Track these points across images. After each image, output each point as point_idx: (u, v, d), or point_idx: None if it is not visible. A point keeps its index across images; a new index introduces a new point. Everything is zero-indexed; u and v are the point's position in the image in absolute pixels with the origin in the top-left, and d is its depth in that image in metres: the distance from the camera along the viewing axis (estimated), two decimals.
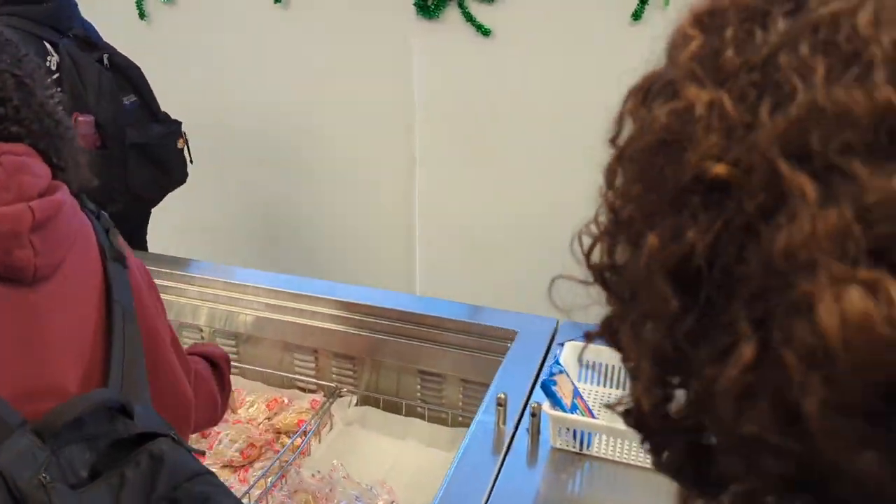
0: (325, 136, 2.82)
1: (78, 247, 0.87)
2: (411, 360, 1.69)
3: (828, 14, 0.29)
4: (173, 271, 1.90)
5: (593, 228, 0.38)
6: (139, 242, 2.35)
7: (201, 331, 1.88)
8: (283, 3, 2.69)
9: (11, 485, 0.69)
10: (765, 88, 0.29)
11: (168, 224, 3.24)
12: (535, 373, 1.40)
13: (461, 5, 2.50)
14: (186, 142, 2.17)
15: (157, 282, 1.90)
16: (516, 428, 1.28)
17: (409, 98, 2.66)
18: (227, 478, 1.55)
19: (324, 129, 2.81)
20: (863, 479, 0.27)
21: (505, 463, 1.20)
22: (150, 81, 3.00)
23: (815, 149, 0.27)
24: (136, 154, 1.99)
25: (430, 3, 2.52)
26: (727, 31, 0.31)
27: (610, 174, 0.36)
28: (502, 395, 1.26)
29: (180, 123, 2.16)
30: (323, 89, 2.76)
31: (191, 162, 2.23)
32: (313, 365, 1.80)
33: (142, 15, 2.90)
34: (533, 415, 1.23)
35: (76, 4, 2.03)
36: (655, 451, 0.37)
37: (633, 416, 0.36)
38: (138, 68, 2.07)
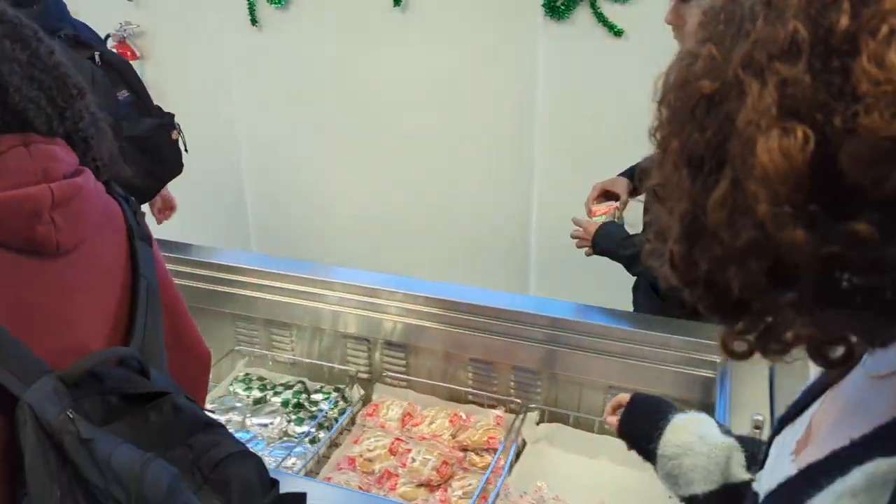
0: (444, 137, 2.77)
1: (105, 227, 0.94)
2: (600, 375, 1.63)
3: None
4: (308, 276, 1.86)
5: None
6: None
7: (367, 341, 1.84)
8: (403, 6, 2.64)
9: (42, 419, 0.77)
10: (736, 36, 0.47)
11: (272, 225, 3.23)
12: (767, 391, 1.33)
13: (593, 5, 2.43)
14: (181, 133, 2.15)
15: (283, 285, 1.87)
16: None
17: (531, 100, 2.60)
18: (427, 497, 1.50)
19: (443, 131, 2.76)
20: (799, 252, 0.43)
21: None
22: (261, 85, 2.99)
23: (757, 60, 0.45)
24: (131, 147, 1.98)
25: (559, 3, 2.46)
26: (721, 14, 0.50)
27: (656, 119, 0.53)
28: (760, 417, 1.19)
29: (173, 116, 2.14)
30: (443, 92, 2.71)
31: (185, 151, 2.18)
32: (489, 378, 1.74)
33: (254, 21, 2.87)
34: None
35: (65, 5, 2.02)
36: (687, 287, 0.52)
37: (669, 264, 0.52)
38: (130, 65, 2.06)
